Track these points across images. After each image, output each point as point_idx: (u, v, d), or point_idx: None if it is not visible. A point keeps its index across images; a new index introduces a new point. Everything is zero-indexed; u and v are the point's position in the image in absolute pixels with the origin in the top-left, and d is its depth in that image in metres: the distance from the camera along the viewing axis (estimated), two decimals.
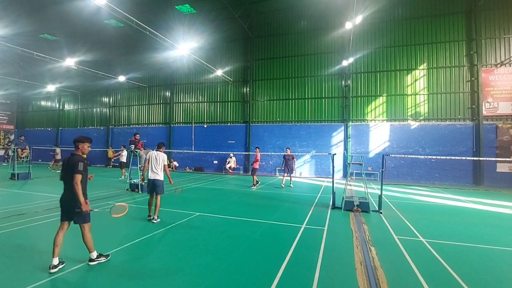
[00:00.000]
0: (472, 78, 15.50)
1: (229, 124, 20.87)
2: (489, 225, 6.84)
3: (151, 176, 6.52)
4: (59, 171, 18.04)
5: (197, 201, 9.44)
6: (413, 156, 14.50)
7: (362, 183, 9.13)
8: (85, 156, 4.30)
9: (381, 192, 8.09)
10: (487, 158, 11.80)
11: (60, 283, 3.61)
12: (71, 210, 3.94)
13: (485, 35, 15.41)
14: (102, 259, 4.17)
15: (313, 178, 17.21)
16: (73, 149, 4.16)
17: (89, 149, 4.23)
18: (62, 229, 4.02)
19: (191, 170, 20.95)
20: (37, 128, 29.74)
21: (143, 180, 6.65)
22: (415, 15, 16.63)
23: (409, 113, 16.54)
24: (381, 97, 17.15)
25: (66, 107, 28.28)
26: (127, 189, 10.92)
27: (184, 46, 16.75)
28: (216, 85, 21.33)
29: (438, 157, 12.73)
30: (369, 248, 5.01)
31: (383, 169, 8.31)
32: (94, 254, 4.12)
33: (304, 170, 18.49)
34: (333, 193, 8.66)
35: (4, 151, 27.27)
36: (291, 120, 19.16)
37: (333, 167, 8.79)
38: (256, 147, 13.72)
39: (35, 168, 17.44)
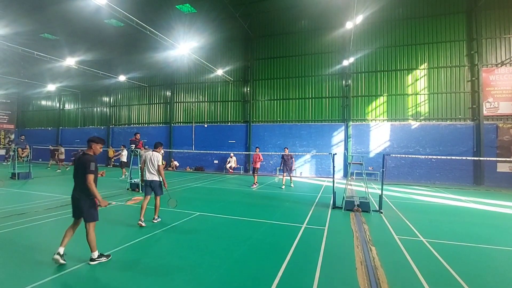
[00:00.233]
0: (473, 78, 15.49)
1: (229, 124, 20.87)
2: (489, 225, 6.84)
3: (148, 177, 6.31)
4: (59, 170, 18.17)
5: (197, 200, 9.44)
6: (414, 156, 14.50)
7: (362, 183, 9.14)
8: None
9: (382, 192, 8.09)
10: (488, 158, 11.79)
11: (60, 282, 3.61)
12: (81, 208, 4.07)
13: (485, 35, 15.39)
14: (103, 259, 4.18)
15: (313, 178, 17.21)
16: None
17: (101, 150, 4.39)
18: (75, 224, 4.21)
19: (191, 170, 20.96)
20: (37, 128, 29.76)
21: (142, 181, 6.49)
22: (415, 15, 16.61)
23: (410, 113, 16.53)
24: (381, 97, 17.14)
25: (67, 106, 28.30)
26: (127, 189, 10.93)
27: (184, 46, 16.75)
28: (217, 84, 21.33)
29: (439, 157, 12.72)
30: (370, 248, 5.02)
31: (384, 169, 8.31)
32: (96, 254, 4.13)
33: (304, 170, 18.49)
34: (334, 193, 8.65)
35: (5, 150, 27.31)
36: (292, 119, 19.15)
37: (333, 167, 8.79)
38: (256, 147, 13.87)
39: (35, 168, 17.45)
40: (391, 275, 3.92)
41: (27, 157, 15.43)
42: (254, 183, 13.08)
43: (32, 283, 3.49)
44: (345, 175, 16.64)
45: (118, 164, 19.21)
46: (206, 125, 21.52)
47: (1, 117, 29.34)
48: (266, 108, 19.88)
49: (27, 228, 5.83)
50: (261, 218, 7.10)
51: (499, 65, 15.05)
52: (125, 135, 24.06)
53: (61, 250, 4.00)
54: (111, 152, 22.98)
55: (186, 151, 21.22)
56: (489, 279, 3.93)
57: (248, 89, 20.21)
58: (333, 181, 8.81)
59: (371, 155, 16.98)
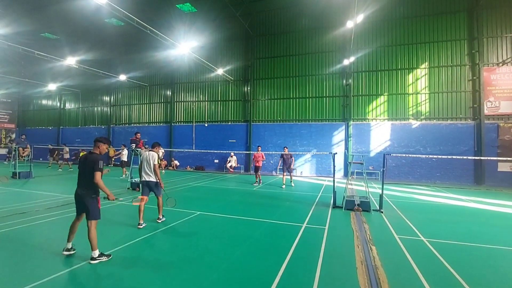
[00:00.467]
0: (474, 77, 15.45)
1: (230, 123, 20.87)
2: (490, 225, 6.82)
3: (145, 177, 6.17)
4: (60, 169, 18.21)
5: (198, 200, 9.44)
6: (414, 156, 14.42)
7: (363, 182, 9.13)
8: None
9: (382, 191, 8.09)
10: (489, 158, 11.76)
11: (62, 280, 3.62)
12: (84, 205, 4.20)
13: (487, 34, 15.34)
14: (104, 259, 4.20)
15: (314, 177, 17.21)
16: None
17: (107, 150, 4.57)
18: (78, 219, 4.39)
19: (192, 169, 20.96)
20: (38, 127, 29.80)
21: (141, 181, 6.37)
22: (416, 13, 16.56)
23: (411, 112, 16.50)
24: (382, 96, 17.11)
25: (67, 106, 28.33)
26: (128, 188, 10.93)
27: (185, 45, 16.73)
28: (217, 84, 21.31)
29: (439, 156, 12.70)
30: (370, 247, 5.01)
31: (384, 168, 8.30)
32: (96, 253, 4.15)
33: (305, 169, 18.48)
34: (334, 192, 8.64)
35: (7, 149, 27.36)
36: (292, 119, 19.14)
37: (334, 166, 8.77)
38: (258, 146, 14.10)
39: (36, 167, 17.47)
40: (391, 275, 3.92)
41: (28, 157, 15.45)
42: (256, 182, 13.30)
43: (33, 282, 3.49)
44: (346, 174, 16.64)
45: (118, 163, 19.23)
46: (206, 125, 21.52)
47: (2, 116, 29.39)
48: (266, 108, 19.87)
49: (28, 227, 5.84)
50: (262, 217, 7.10)
51: (500, 64, 15.00)
52: (125, 135, 24.07)
53: (69, 245, 4.34)
54: (111, 152, 23.00)
55: (186, 150, 21.23)
56: (490, 278, 3.93)
57: (249, 88, 20.20)
58: (334, 180, 8.80)
59: (372, 154, 16.96)
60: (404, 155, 11.26)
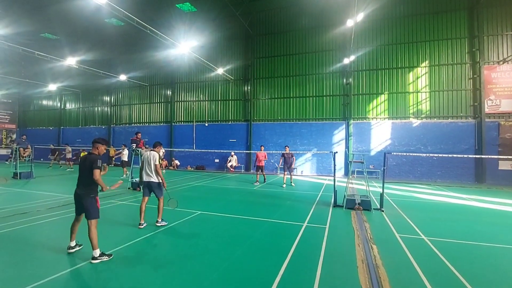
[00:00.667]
0: (474, 76, 15.41)
1: (230, 123, 20.87)
2: (491, 223, 6.82)
3: (145, 178, 6.08)
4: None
5: (198, 199, 9.45)
6: (415, 154, 14.46)
7: (363, 181, 9.12)
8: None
9: (383, 190, 8.08)
10: (489, 156, 11.76)
11: (62, 281, 3.63)
12: (83, 205, 4.28)
13: (487, 32, 15.30)
14: (105, 258, 4.21)
15: (314, 177, 17.20)
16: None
17: (105, 151, 4.67)
18: (78, 220, 4.50)
19: (192, 169, 20.98)
20: (39, 127, 29.84)
21: (141, 182, 6.30)
22: (417, 12, 16.52)
23: (411, 111, 16.48)
24: (382, 95, 17.09)
25: (68, 106, 28.35)
26: (128, 188, 10.96)
27: (185, 45, 16.72)
28: (217, 83, 21.31)
29: (440, 155, 12.67)
30: (371, 246, 5.01)
31: (385, 167, 8.30)
32: (97, 252, 4.18)
33: (305, 169, 18.48)
34: (335, 191, 8.64)
35: (10, 150, 27.44)
36: (292, 118, 19.13)
37: (334, 165, 8.77)
38: (261, 145, 14.40)
39: (37, 167, 17.48)
40: (392, 274, 3.92)
41: (29, 157, 15.48)
42: (257, 181, 13.43)
43: (35, 282, 3.50)
44: (346, 173, 16.63)
45: (119, 163, 19.26)
46: (207, 124, 21.52)
47: (3, 117, 29.43)
48: (266, 107, 19.86)
49: (30, 227, 5.85)
50: (262, 216, 7.10)
51: (501, 63, 14.96)
52: (126, 135, 24.10)
53: (72, 243, 4.48)
54: (112, 151, 23.04)
55: (187, 150, 21.25)
56: (491, 277, 3.92)
57: (249, 87, 20.19)
58: (334, 179, 8.79)
59: (372, 153, 16.94)
60: (404, 153, 11.24)
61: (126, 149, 15.97)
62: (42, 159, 26.22)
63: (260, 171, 13.56)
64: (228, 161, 19.73)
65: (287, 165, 12.67)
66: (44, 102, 29.82)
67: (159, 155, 6.47)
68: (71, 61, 19.63)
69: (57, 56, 19.55)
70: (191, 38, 19.11)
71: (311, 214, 7.38)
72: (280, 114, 19.48)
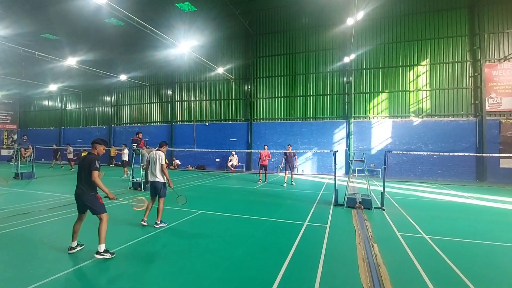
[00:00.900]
0: (475, 74, 15.37)
1: (230, 122, 20.87)
2: (492, 221, 6.81)
3: (150, 178, 6.09)
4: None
5: (199, 199, 9.46)
6: (416, 153, 14.42)
7: (364, 180, 9.12)
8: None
9: (384, 188, 8.09)
10: (490, 154, 11.73)
11: (63, 281, 3.64)
12: (86, 202, 4.33)
13: (488, 30, 15.25)
14: (108, 255, 4.27)
15: (315, 176, 17.20)
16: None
17: (104, 151, 4.66)
18: (80, 220, 4.52)
19: (193, 168, 21.00)
20: (39, 128, 29.90)
21: (146, 182, 6.31)
22: (417, 10, 16.47)
23: (412, 109, 16.45)
24: (383, 94, 17.06)
25: (68, 106, 28.40)
26: (129, 188, 10.98)
27: (185, 44, 16.72)
28: (218, 83, 21.31)
29: (441, 153, 12.65)
30: (372, 245, 5.01)
31: (386, 166, 8.28)
32: (102, 247, 4.25)
33: (306, 168, 18.48)
34: (335, 190, 8.63)
35: (12, 151, 27.52)
36: (293, 117, 19.12)
37: (335, 164, 8.77)
38: (265, 145, 14.89)
39: (38, 168, 17.53)
40: (393, 272, 3.92)
41: (30, 157, 15.51)
42: (260, 179, 13.71)
43: (36, 282, 3.51)
44: (347, 172, 16.62)
45: (120, 163, 19.29)
46: (207, 124, 21.53)
47: (4, 117, 29.49)
48: (267, 106, 19.86)
49: (31, 227, 5.87)
50: (263, 216, 7.11)
51: (502, 60, 14.92)
52: (126, 134, 24.13)
53: (73, 243, 4.47)
54: (112, 151, 23.07)
55: (187, 149, 21.27)
56: (492, 275, 3.92)
57: (249, 87, 20.18)
58: (335, 178, 8.78)
59: (373, 152, 16.93)
60: (405, 152, 11.22)
61: (126, 148, 16.00)
62: (43, 160, 26.29)
63: (264, 170, 13.69)
64: (229, 160, 19.74)
65: (290, 165, 12.67)
66: (45, 103, 29.88)
67: (165, 154, 6.47)
68: (71, 61, 19.66)
69: (57, 56, 19.58)
70: (191, 38, 19.10)
71: (312, 213, 7.39)
72: (280, 113, 19.47)
